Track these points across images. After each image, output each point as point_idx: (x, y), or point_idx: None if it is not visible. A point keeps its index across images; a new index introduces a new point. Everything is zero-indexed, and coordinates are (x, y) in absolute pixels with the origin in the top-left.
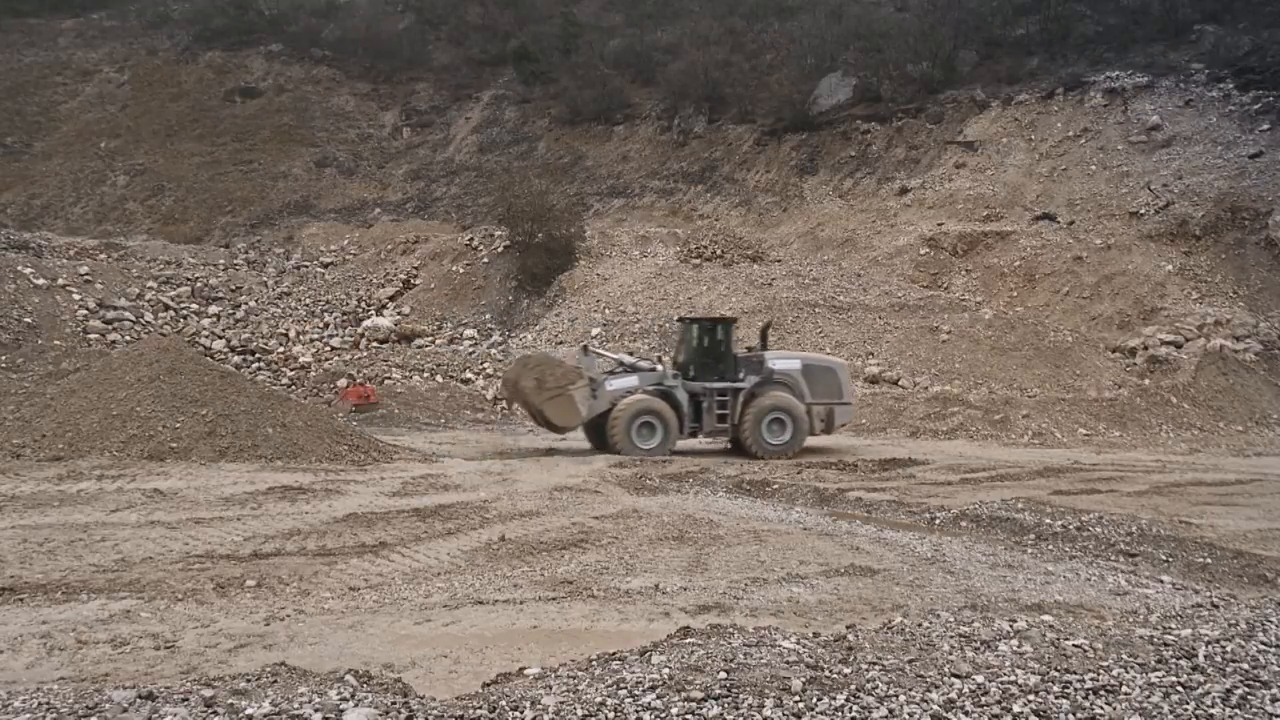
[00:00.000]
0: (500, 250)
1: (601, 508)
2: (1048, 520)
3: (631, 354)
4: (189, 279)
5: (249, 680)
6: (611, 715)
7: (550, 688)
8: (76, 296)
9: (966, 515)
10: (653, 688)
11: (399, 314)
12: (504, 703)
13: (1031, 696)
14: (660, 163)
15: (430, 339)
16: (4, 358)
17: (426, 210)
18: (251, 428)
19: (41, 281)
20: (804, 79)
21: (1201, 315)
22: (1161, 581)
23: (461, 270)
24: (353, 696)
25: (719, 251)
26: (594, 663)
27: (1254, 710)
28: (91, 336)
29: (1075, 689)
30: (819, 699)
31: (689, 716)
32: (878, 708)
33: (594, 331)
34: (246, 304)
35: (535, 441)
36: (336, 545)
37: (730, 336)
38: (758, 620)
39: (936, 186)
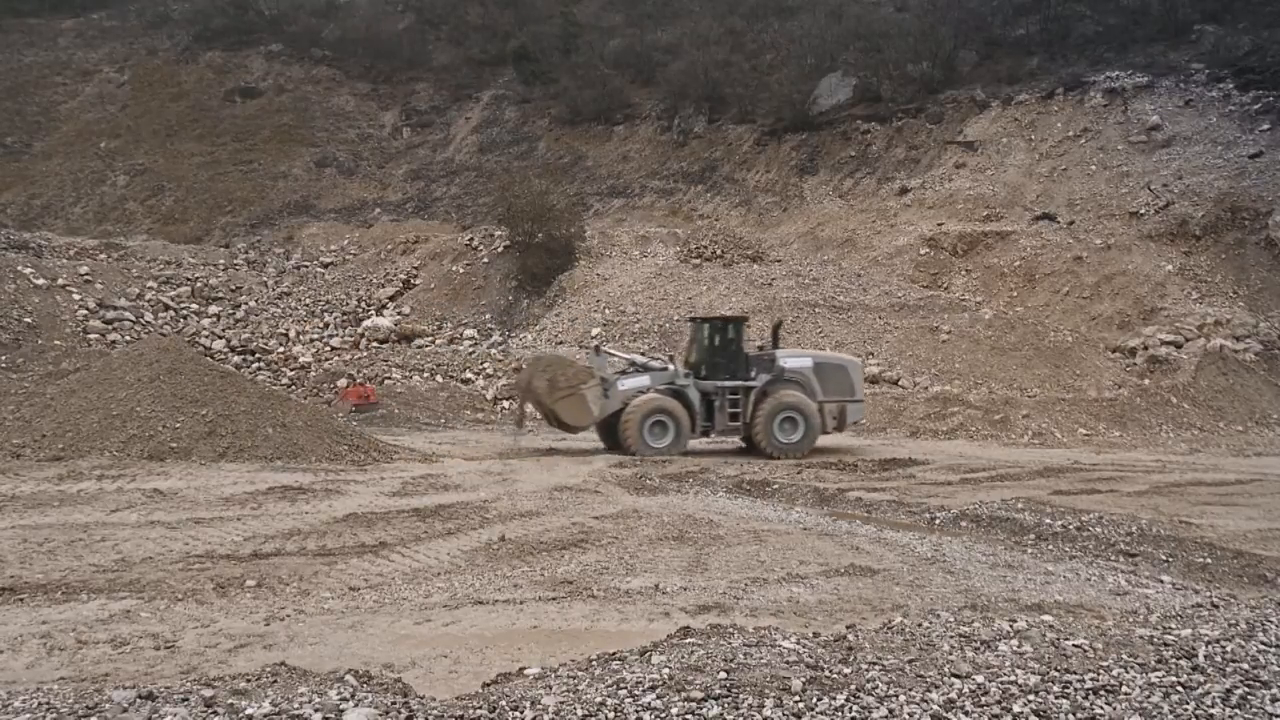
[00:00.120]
0: (500, 250)
1: (601, 508)
2: (1048, 520)
3: (643, 354)
4: (189, 279)
5: (249, 680)
6: (611, 715)
7: (550, 688)
8: (76, 296)
9: (966, 515)
10: (653, 688)
11: (399, 314)
12: (504, 703)
13: (1031, 696)
14: (660, 163)
15: (430, 339)
16: (4, 358)
17: (426, 210)
18: (251, 428)
19: (41, 281)
20: (804, 79)
21: (1201, 315)
22: (1161, 581)
23: (461, 270)
24: (353, 696)
25: (719, 251)
26: (594, 663)
27: (1254, 710)
28: (91, 336)
29: (1075, 689)
30: (819, 699)
31: (689, 716)
32: (878, 708)
33: (594, 331)
34: (246, 304)
35: (535, 441)
36: (336, 545)
37: (741, 335)
38: (758, 620)
39: (936, 186)
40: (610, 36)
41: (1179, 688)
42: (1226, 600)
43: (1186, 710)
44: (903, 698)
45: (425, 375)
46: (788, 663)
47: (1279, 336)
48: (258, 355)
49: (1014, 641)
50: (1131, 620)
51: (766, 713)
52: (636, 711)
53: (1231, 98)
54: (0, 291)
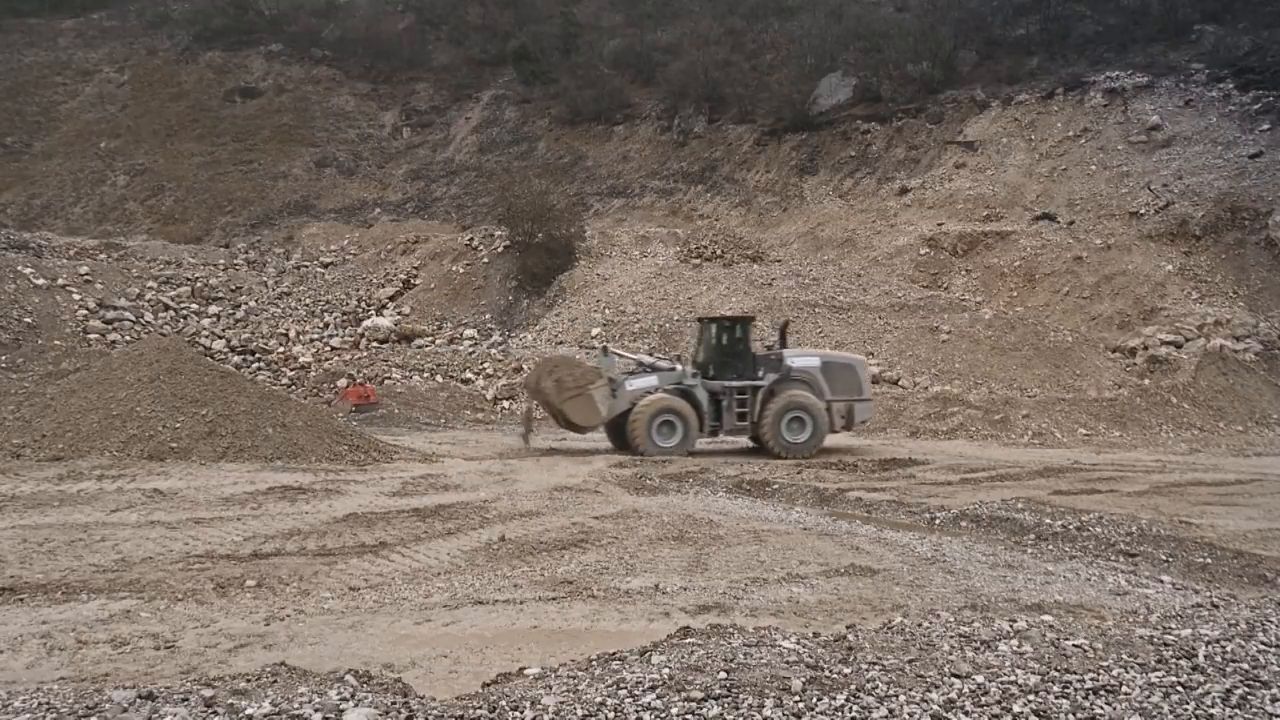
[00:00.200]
0: (500, 250)
1: (601, 508)
2: (1048, 520)
3: (650, 354)
4: (189, 279)
5: (249, 680)
6: (611, 715)
7: (550, 688)
8: (76, 296)
9: (966, 515)
10: (653, 688)
11: (399, 314)
12: (504, 703)
13: (1031, 696)
14: (660, 163)
15: (430, 339)
16: (4, 358)
17: (426, 210)
18: (251, 428)
19: (41, 281)
20: (804, 79)
21: (1201, 315)
22: (1161, 581)
23: (461, 270)
24: (353, 696)
25: (719, 251)
26: (594, 663)
27: (1254, 710)
28: (91, 336)
29: (1075, 689)
30: (819, 699)
31: (689, 716)
32: (878, 708)
33: (594, 331)
34: (246, 304)
35: (535, 441)
36: (336, 545)
37: (749, 335)
38: (758, 620)
39: (936, 186)
40: (610, 36)
41: (1179, 688)
42: (1226, 600)
43: (1186, 710)
44: (903, 698)
45: (425, 375)
46: (788, 663)
47: (1279, 336)
48: (258, 355)
49: (1014, 641)
50: (1131, 620)
51: (766, 713)
52: (636, 711)
53: (1231, 98)
54: (0, 291)
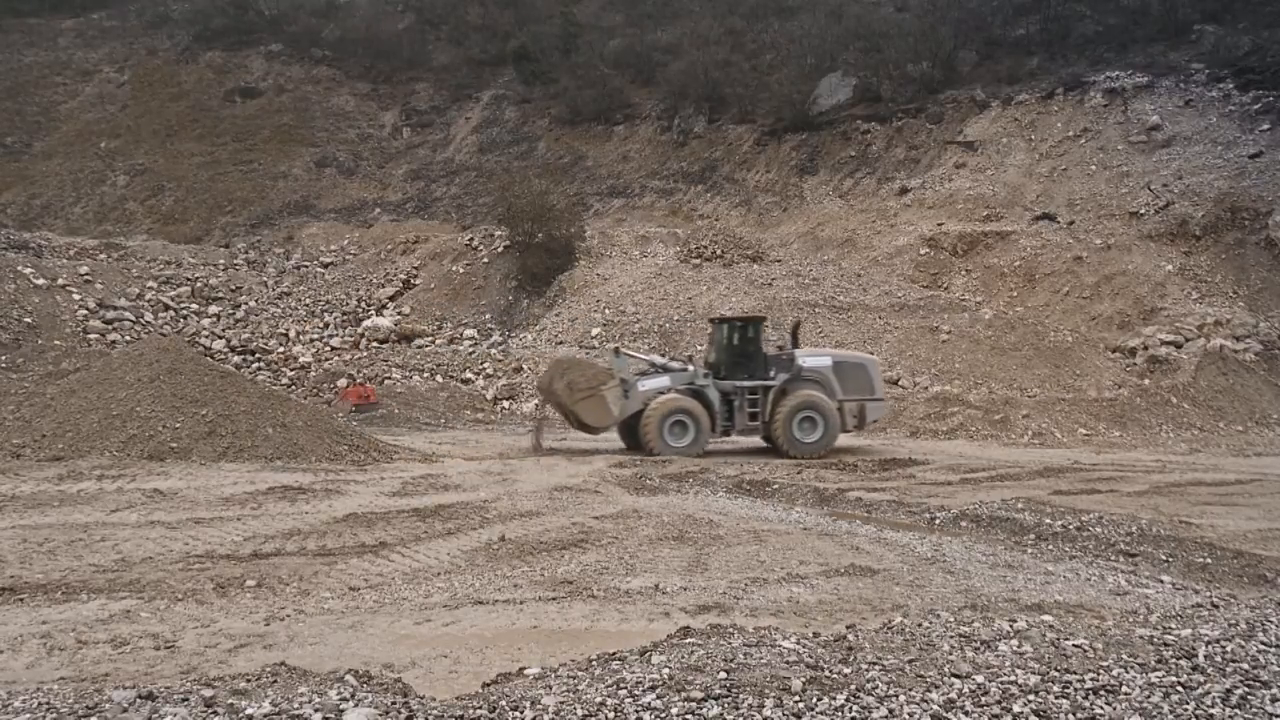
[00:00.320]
0: (500, 250)
1: (601, 508)
2: (1048, 520)
3: (663, 355)
4: (189, 279)
5: (249, 680)
6: (611, 715)
7: (550, 688)
8: (76, 296)
9: (966, 515)
10: (653, 688)
11: (399, 314)
12: (504, 703)
13: (1031, 696)
14: (660, 163)
15: (430, 339)
16: (4, 358)
17: (426, 210)
18: (251, 428)
19: (41, 281)
20: (804, 79)
21: (1201, 315)
22: (1161, 581)
23: (461, 270)
24: (353, 696)
25: (719, 251)
26: (594, 663)
27: (1254, 710)
28: (91, 336)
29: (1075, 689)
30: (819, 699)
31: (689, 716)
32: (878, 708)
33: (594, 331)
34: (246, 304)
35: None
36: (336, 545)
37: (760, 335)
38: (758, 620)
39: (936, 186)
40: (610, 36)
41: (1179, 688)
42: (1226, 600)
43: (1186, 710)
44: (903, 698)
45: (425, 375)
46: (788, 663)
47: (1279, 336)
48: (258, 355)
49: (1014, 641)
50: (1131, 620)
51: (766, 713)
52: (636, 711)
53: (1231, 98)
54: (0, 291)
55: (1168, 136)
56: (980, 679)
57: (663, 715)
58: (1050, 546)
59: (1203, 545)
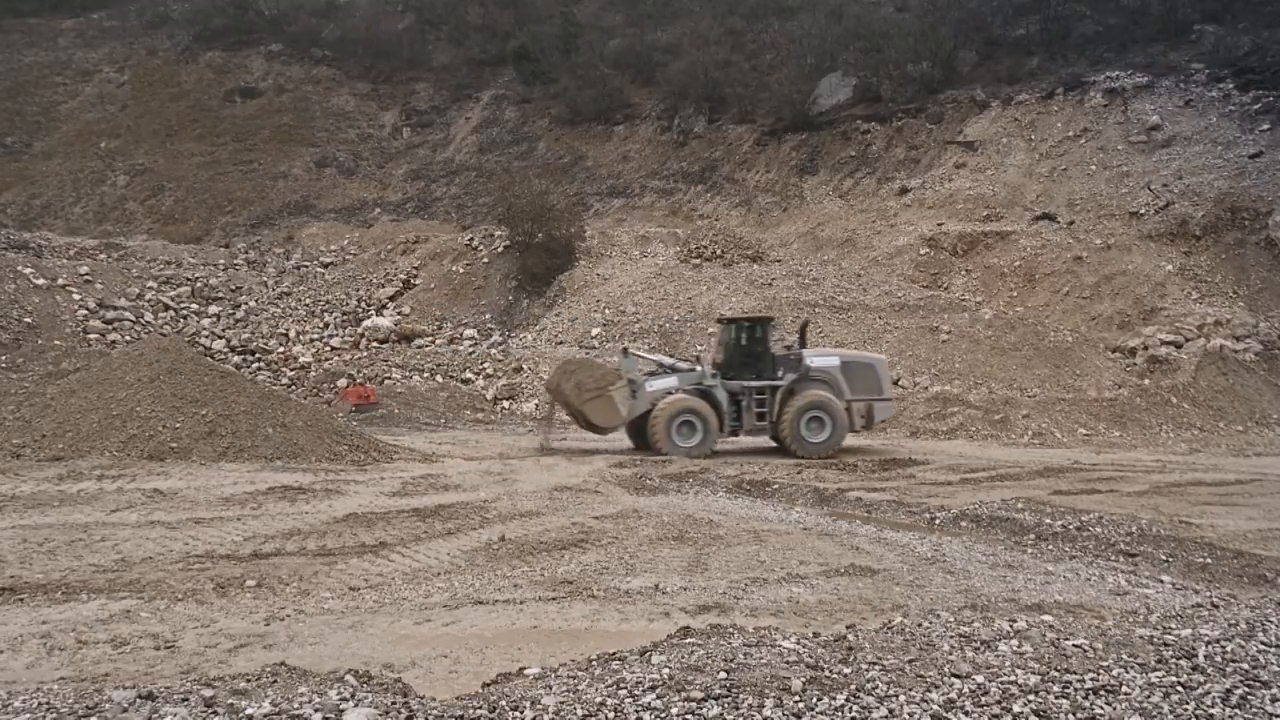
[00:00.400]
0: (500, 250)
1: (601, 508)
2: (1048, 520)
3: (671, 355)
4: (189, 279)
5: (249, 680)
6: (611, 715)
7: (550, 688)
8: (76, 296)
9: (966, 515)
10: (653, 688)
11: (399, 314)
12: (504, 703)
13: (1031, 696)
14: (660, 163)
15: (430, 339)
16: (4, 358)
17: (426, 210)
18: (251, 428)
19: (41, 281)
20: (804, 79)
21: (1201, 315)
22: (1161, 581)
23: (461, 270)
24: (353, 696)
25: (719, 251)
26: (594, 663)
27: (1254, 710)
28: (91, 336)
29: (1075, 689)
30: (819, 699)
31: (689, 716)
32: (878, 708)
33: (594, 331)
34: (246, 304)
35: (536, 441)
36: (336, 545)
37: (768, 335)
38: (758, 620)
39: (936, 186)
40: (610, 36)
41: (1179, 688)
42: (1226, 600)
43: (1186, 710)
44: (903, 698)
45: (425, 375)
46: (788, 663)
47: (1279, 336)
48: (258, 355)
49: (1014, 641)
50: (1131, 620)
51: (766, 713)
52: (636, 711)
53: (1231, 98)
54: (0, 291)
55: (1168, 136)
56: (980, 679)
57: (663, 715)
58: (1050, 546)
59: (1203, 545)
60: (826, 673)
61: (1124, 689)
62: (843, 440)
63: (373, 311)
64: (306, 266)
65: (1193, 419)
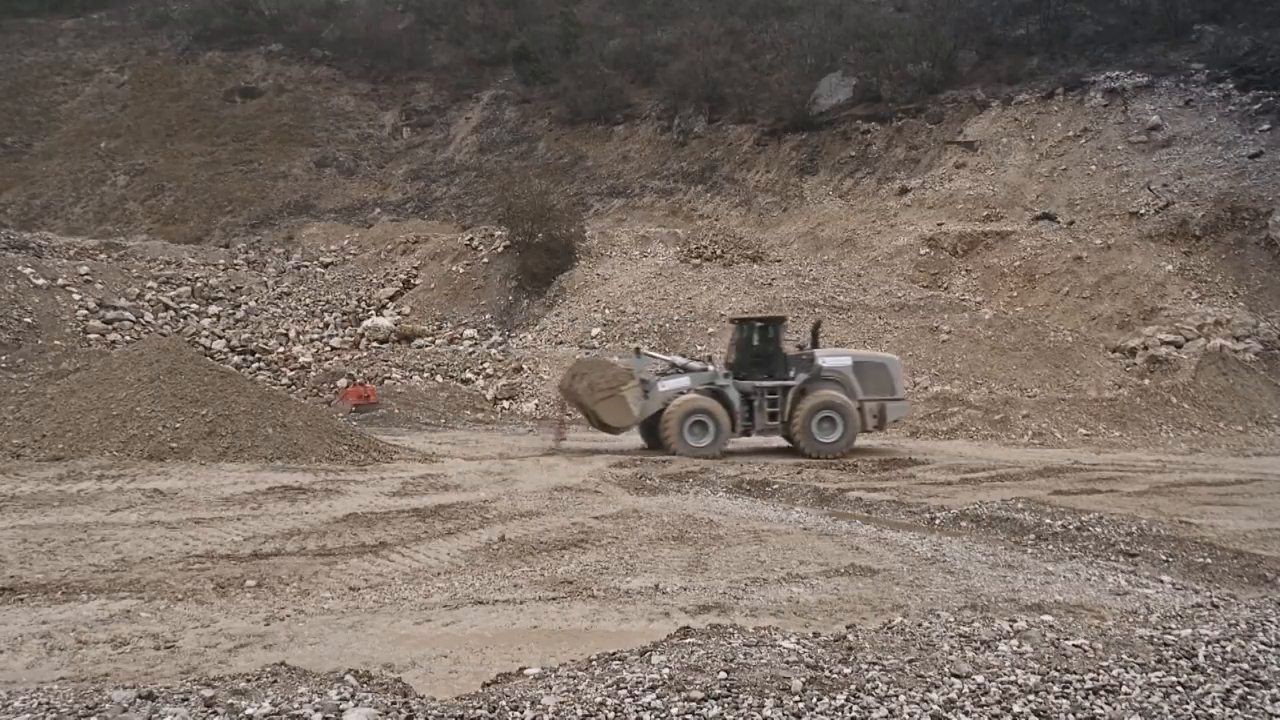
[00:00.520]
0: (500, 250)
1: (601, 508)
2: (1048, 520)
3: (684, 355)
4: (189, 279)
5: (249, 680)
6: (611, 715)
7: (550, 688)
8: (76, 296)
9: (966, 515)
10: (653, 688)
11: (399, 314)
12: (504, 703)
13: (1031, 696)
14: (660, 163)
15: (430, 339)
16: (4, 358)
17: (426, 210)
18: (251, 428)
19: (41, 281)
20: (804, 79)
21: (1201, 315)
22: (1161, 581)
23: (461, 270)
24: (353, 696)
25: (719, 251)
26: (594, 663)
27: (1254, 710)
28: (91, 336)
29: (1075, 689)
30: (819, 699)
31: (689, 716)
32: (878, 708)
33: (594, 331)
34: (246, 304)
35: (535, 441)
36: (336, 545)
37: (780, 335)
38: (758, 620)
39: (936, 186)
40: (610, 36)
41: (1179, 688)
42: (1226, 600)
43: (1186, 710)
44: (903, 698)
45: (425, 375)
46: (788, 663)
47: (1279, 336)
48: (258, 355)
49: (1014, 641)
50: (1131, 620)
51: (766, 713)
52: (636, 711)
53: (1231, 98)
54: (0, 291)
55: (1168, 136)
56: (980, 679)
57: (663, 715)
58: (1050, 546)
59: (1203, 545)
60: (826, 673)
61: (1124, 689)
62: (855, 440)
63: (373, 311)
64: (306, 266)
65: (1193, 419)
